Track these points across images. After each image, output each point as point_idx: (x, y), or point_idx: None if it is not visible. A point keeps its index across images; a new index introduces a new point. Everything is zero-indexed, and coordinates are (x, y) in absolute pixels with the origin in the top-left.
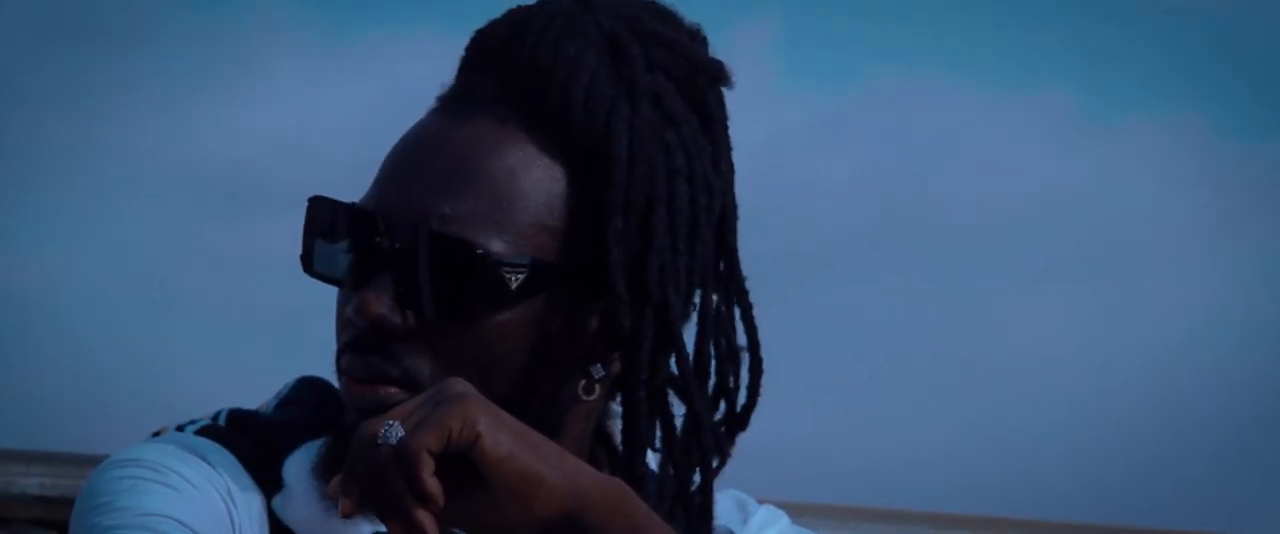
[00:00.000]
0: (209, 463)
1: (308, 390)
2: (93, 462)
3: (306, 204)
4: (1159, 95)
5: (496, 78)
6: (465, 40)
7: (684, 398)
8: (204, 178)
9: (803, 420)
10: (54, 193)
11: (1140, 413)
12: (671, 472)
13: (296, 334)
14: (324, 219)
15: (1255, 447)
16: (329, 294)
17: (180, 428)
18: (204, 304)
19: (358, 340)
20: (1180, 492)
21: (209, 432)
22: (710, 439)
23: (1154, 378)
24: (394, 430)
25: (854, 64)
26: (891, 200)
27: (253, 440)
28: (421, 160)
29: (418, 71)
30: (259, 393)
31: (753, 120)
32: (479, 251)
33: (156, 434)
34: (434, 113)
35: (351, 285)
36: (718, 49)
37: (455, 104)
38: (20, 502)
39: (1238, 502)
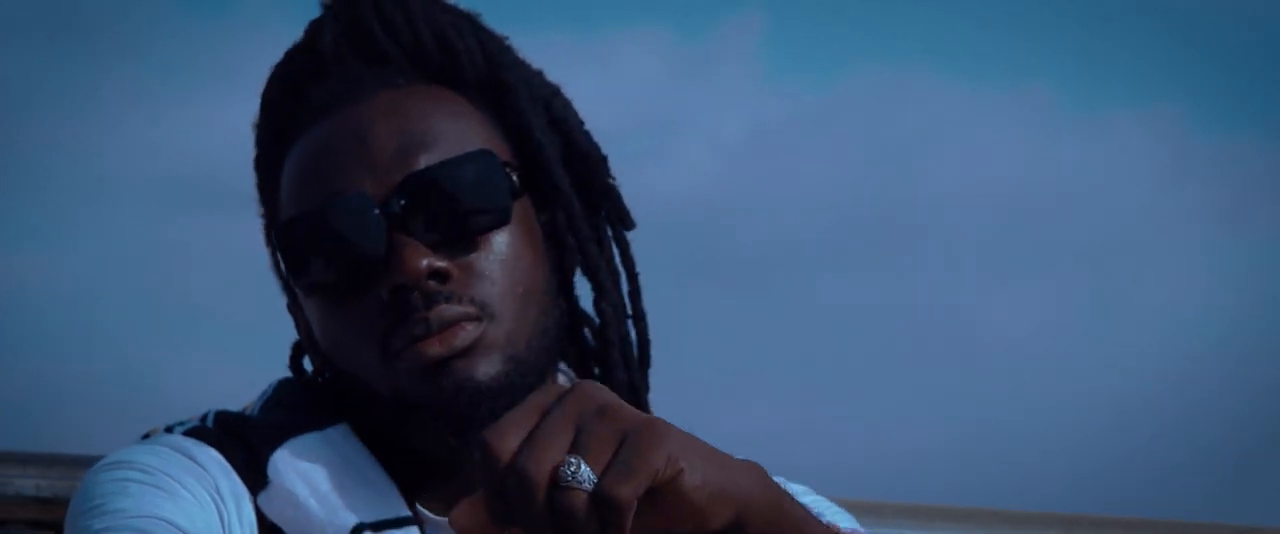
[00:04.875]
0: (198, 463)
1: (288, 392)
2: (87, 462)
3: (278, 234)
4: (1139, 90)
5: (361, 63)
6: None
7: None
8: (196, 179)
9: (789, 412)
10: (44, 195)
11: (1122, 404)
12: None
13: (280, 336)
14: (311, 231)
15: (1239, 437)
16: None
17: (169, 430)
18: (195, 304)
19: (408, 306)
20: (1159, 481)
21: (197, 433)
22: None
23: (1137, 369)
24: (582, 472)
25: (840, 59)
26: (876, 192)
27: (239, 441)
28: (365, 140)
29: None
30: (249, 390)
31: (740, 112)
32: (465, 154)
33: (146, 436)
34: (335, 111)
35: (375, 267)
36: (706, 43)
37: (344, 97)
38: (16, 503)
39: (1217, 491)
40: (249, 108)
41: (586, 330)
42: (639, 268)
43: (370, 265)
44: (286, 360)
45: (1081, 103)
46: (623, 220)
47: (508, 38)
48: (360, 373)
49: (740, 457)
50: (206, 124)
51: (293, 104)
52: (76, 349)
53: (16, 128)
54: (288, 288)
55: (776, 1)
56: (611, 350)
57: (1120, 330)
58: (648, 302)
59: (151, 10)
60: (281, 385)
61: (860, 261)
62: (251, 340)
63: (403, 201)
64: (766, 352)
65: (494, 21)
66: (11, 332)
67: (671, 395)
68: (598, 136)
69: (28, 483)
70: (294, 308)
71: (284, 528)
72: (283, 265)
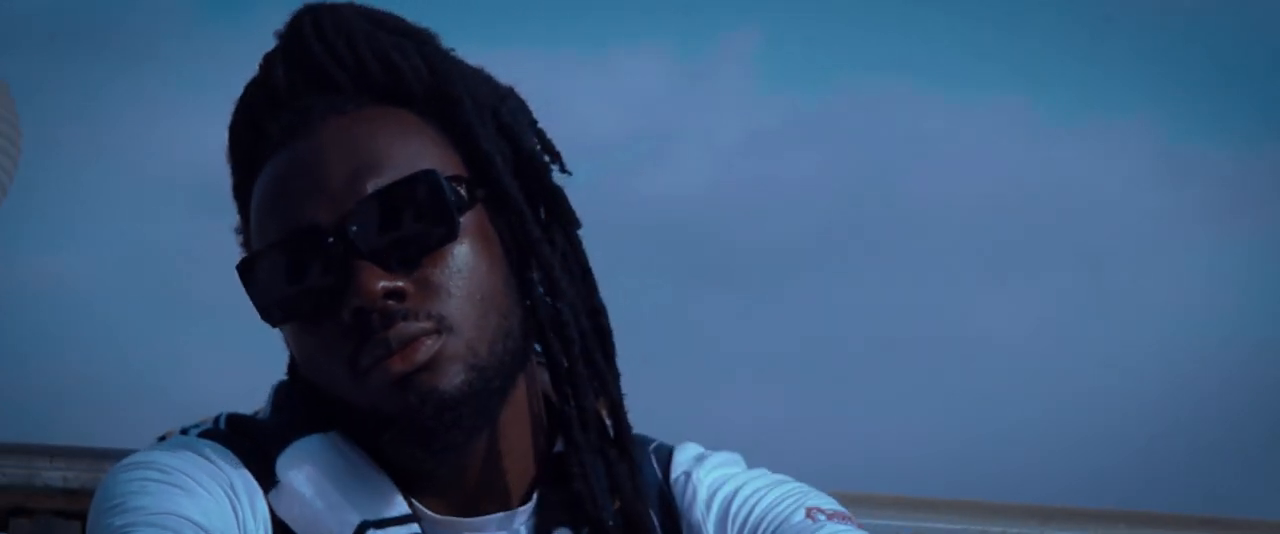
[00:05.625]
0: (214, 463)
1: (288, 396)
2: (111, 456)
3: (241, 271)
4: (1112, 100)
5: (311, 92)
6: (466, 51)
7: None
8: (211, 184)
9: (777, 402)
10: (69, 199)
11: (1101, 397)
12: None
13: None
14: (271, 264)
15: (1215, 431)
16: None
17: (185, 431)
18: (211, 304)
19: (371, 324)
20: (1133, 473)
21: (211, 435)
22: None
23: (1115, 363)
24: None
25: (830, 70)
26: (863, 196)
27: (251, 442)
28: (315, 171)
29: None
30: (254, 392)
31: (736, 121)
32: (413, 174)
33: (163, 438)
34: (288, 143)
35: (337, 296)
36: (705, 57)
37: (296, 129)
38: (43, 493)
39: (1192, 484)
40: None
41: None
42: (637, 266)
43: (330, 292)
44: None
45: (1055, 114)
46: (567, 220)
47: (454, 50)
48: (336, 390)
49: (740, 447)
50: (214, 132)
51: (253, 137)
52: (100, 349)
53: (44, 133)
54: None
55: (770, 19)
56: (571, 347)
57: (1096, 327)
58: (649, 299)
59: (171, 19)
60: (280, 389)
61: (848, 262)
62: (267, 340)
63: (355, 228)
64: (760, 346)
65: (509, 41)
66: (38, 332)
67: (668, 389)
68: (600, 144)
69: (55, 475)
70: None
71: (293, 526)
72: (251, 301)
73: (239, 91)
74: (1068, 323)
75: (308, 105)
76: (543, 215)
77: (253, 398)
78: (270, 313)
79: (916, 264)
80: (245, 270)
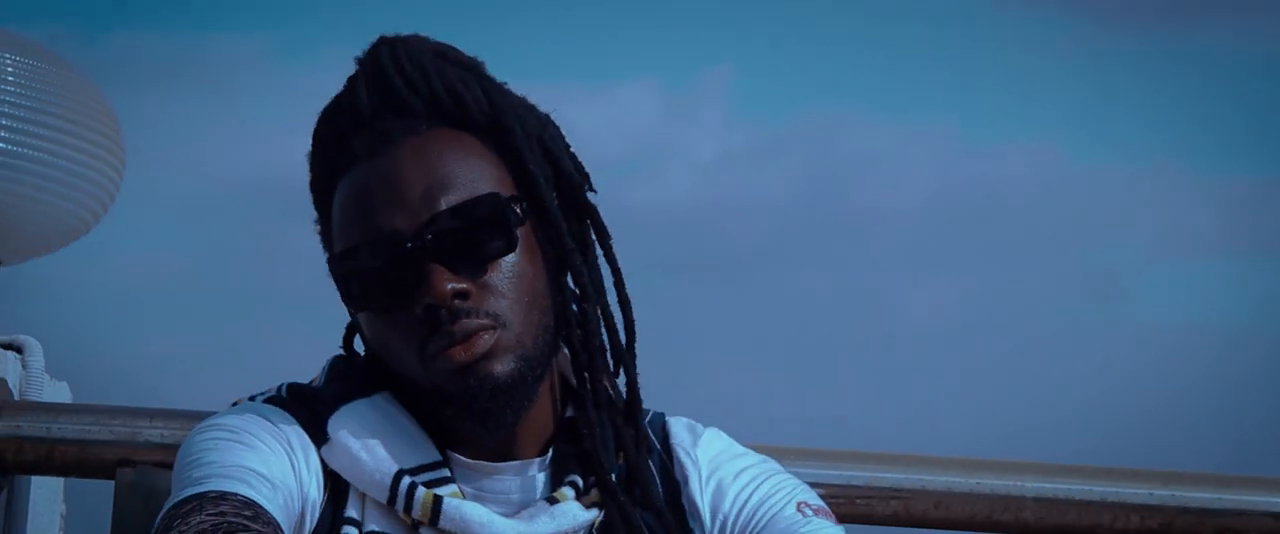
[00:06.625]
0: (275, 425)
1: (342, 367)
2: (198, 417)
3: (331, 265)
4: (1024, 125)
5: (390, 115)
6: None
7: (604, 248)
8: (281, 190)
9: (748, 377)
10: (167, 204)
11: (1012, 370)
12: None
13: (349, 318)
14: (359, 263)
15: (1088, 393)
16: None
17: (252, 399)
18: (276, 291)
19: (439, 318)
20: (1035, 430)
21: (273, 400)
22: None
23: (1025, 348)
24: None
25: (792, 99)
26: (819, 203)
27: (306, 406)
28: (394, 186)
29: None
30: (314, 364)
31: (713, 141)
32: (479, 196)
33: (235, 404)
34: (371, 158)
35: (409, 292)
36: (688, 88)
37: (378, 145)
38: (145, 448)
39: (1086, 436)
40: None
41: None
42: (630, 261)
43: (406, 288)
44: (341, 340)
45: (978, 136)
46: (599, 231)
47: (506, 83)
48: (404, 370)
49: (721, 413)
50: (292, 148)
51: (338, 148)
52: (190, 327)
53: (145, 149)
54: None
55: (742, 56)
56: (590, 340)
57: (1006, 312)
58: (640, 292)
59: (247, 56)
60: (336, 362)
61: (807, 259)
62: (323, 323)
63: (429, 236)
64: (731, 326)
65: (523, 73)
66: (142, 314)
67: (655, 360)
68: (601, 161)
69: (154, 432)
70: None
71: (342, 474)
72: (337, 288)
73: (302, 115)
74: (983, 309)
75: (387, 127)
76: (578, 228)
77: (311, 369)
78: (354, 301)
79: (862, 259)
80: (335, 264)
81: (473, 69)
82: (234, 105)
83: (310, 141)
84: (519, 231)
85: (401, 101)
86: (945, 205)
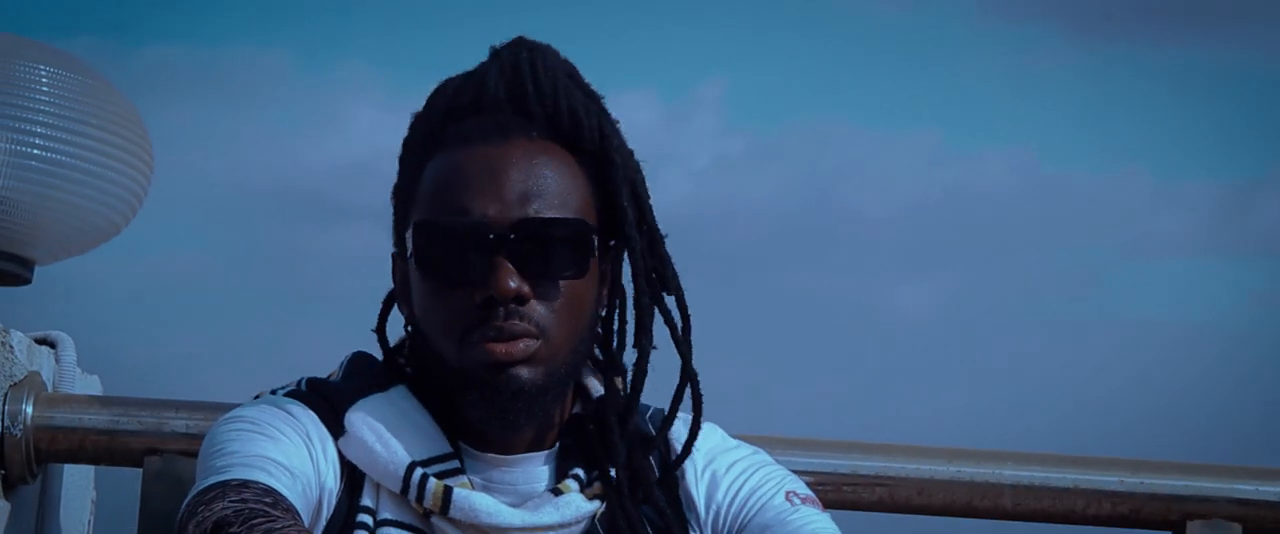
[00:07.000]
0: (295, 417)
1: (363, 362)
2: (222, 408)
3: (414, 229)
4: (1001, 132)
5: (510, 110)
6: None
7: (675, 295)
8: (299, 195)
9: (741, 371)
10: (194, 207)
11: (993, 364)
12: (683, 351)
13: (364, 314)
14: (442, 234)
15: (1065, 382)
16: (381, 284)
17: (273, 392)
18: (294, 290)
19: (492, 313)
20: (1010, 419)
21: (293, 394)
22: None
23: (1003, 343)
24: None
25: (782, 109)
26: (807, 207)
27: (324, 400)
28: (496, 178)
29: None
30: (332, 359)
31: (706, 149)
32: (567, 218)
33: (257, 397)
34: (478, 144)
35: (476, 277)
36: (684, 99)
37: (492, 135)
38: (170, 437)
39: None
40: (344, 147)
41: (615, 347)
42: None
43: (474, 273)
44: (356, 336)
45: (958, 143)
46: (671, 281)
47: (618, 121)
48: (439, 345)
49: (715, 405)
50: (311, 155)
51: (450, 121)
52: (216, 324)
53: (174, 155)
54: (398, 241)
55: (735, 69)
56: (640, 378)
57: (987, 310)
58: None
59: (271, 69)
60: (354, 358)
61: (796, 259)
62: (338, 321)
63: (512, 236)
64: (725, 323)
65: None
66: (169, 310)
67: (657, 363)
68: None
69: (180, 422)
70: (398, 258)
71: (358, 465)
72: (411, 251)
73: (322, 124)
74: (963, 306)
75: (505, 121)
76: (652, 270)
77: (327, 364)
78: (423, 266)
79: (848, 259)
80: (418, 229)
81: (594, 99)
82: (256, 114)
83: (424, 106)
84: (591, 260)
85: (525, 104)
86: (927, 208)
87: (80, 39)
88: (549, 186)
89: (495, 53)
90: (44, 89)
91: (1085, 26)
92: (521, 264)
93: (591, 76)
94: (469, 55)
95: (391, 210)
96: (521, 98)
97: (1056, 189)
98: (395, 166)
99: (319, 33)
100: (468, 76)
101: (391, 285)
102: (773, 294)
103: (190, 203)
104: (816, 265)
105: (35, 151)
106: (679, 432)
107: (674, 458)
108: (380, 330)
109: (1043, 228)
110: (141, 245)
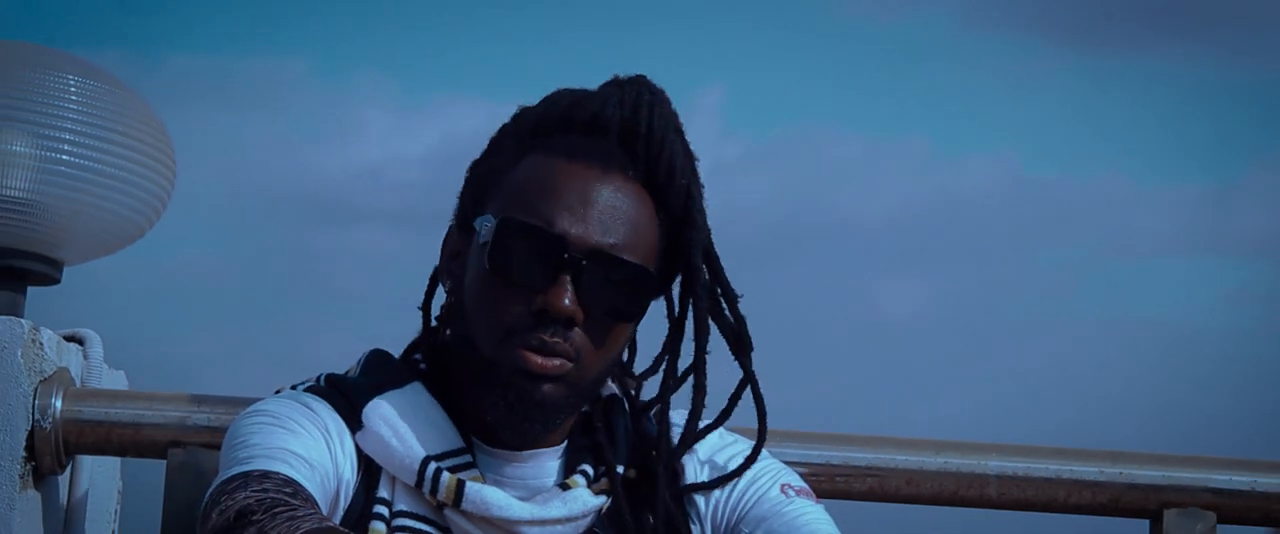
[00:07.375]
0: (314, 411)
1: (380, 359)
2: (242, 403)
3: (498, 225)
4: (987, 138)
5: (617, 143)
6: (499, 105)
7: (735, 340)
8: (315, 198)
9: (737, 368)
10: (215, 210)
11: (974, 361)
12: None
13: (377, 313)
14: (523, 236)
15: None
16: (393, 284)
17: (294, 387)
18: (311, 290)
19: (541, 324)
20: (991, 412)
21: (313, 389)
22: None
23: (988, 339)
24: None
25: (777, 116)
26: (801, 210)
27: (343, 395)
28: (587, 202)
29: (468, 123)
30: (349, 356)
31: (705, 153)
32: (638, 265)
33: (277, 392)
34: (580, 163)
35: (539, 285)
36: (681, 105)
37: (594, 159)
38: (193, 431)
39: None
40: (359, 152)
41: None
42: None
43: (537, 282)
44: (371, 334)
45: (945, 148)
46: (742, 342)
47: (704, 187)
48: (478, 331)
49: (712, 400)
50: (326, 160)
51: (557, 129)
52: (235, 321)
53: (196, 161)
54: (461, 218)
55: (732, 76)
56: (699, 398)
57: (973, 308)
58: None
59: (288, 78)
60: (372, 355)
61: (790, 259)
62: (353, 320)
63: (585, 261)
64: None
65: (527, 89)
66: (191, 308)
67: (651, 353)
68: None
69: (202, 416)
70: (456, 231)
71: (375, 459)
72: (484, 239)
73: (338, 131)
74: (949, 304)
75: (610, 149)
76: (712, 322)
77: (343, 362)
78: (494, 259)
79: (840, 259)
80: (503, 226)
81: (691, 158)
82: (274, 121)
83: (540, 103)
84: (643, 309)
85: (633, 143)
86: (916, 211)
87: (107, 51)
88: (631, 229)
89: (618, 83)
90: (73, 98)
91: (1067, 37)
92: (583, 290)
93: (591, 81)
94: (476, 62)
95: (464, 182)
96: (632, 136)
97: (1039, 192)
98: (407, 171)
99: (334, 42)
100: (588, 96)
101: (401, 286)
102: (766, 293)
103: (211, 206)
104: (809, 265)
105: (64, 158)
106: (681, 428)
107: (676, 450)
108: (426, 308)
109: (1026, 228)
110: (165, 247)
